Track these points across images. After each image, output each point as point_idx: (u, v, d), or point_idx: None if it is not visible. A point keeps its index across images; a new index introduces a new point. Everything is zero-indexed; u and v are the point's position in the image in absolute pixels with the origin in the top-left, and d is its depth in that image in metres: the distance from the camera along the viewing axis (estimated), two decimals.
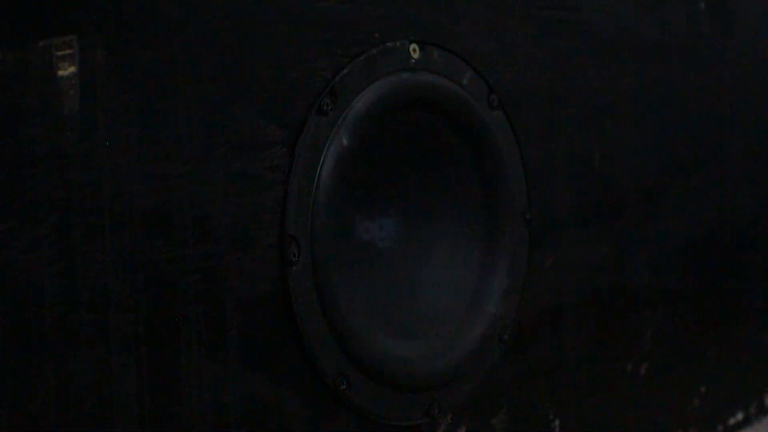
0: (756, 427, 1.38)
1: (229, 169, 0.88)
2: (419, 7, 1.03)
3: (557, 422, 1.15)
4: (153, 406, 0.82)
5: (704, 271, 1.31)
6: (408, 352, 1.03)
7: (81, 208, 0.78)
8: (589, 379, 1.19)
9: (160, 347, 0.82)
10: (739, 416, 1.36)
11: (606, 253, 1.20)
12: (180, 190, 0.84)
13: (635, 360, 1.23)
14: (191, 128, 0.85)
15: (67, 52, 0.76)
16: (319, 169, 0.95)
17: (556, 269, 1.15)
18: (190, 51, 0.85)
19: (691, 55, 1.29)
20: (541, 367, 1.14)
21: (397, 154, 1.07)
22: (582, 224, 1.17)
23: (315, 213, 0.94)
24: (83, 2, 0.78)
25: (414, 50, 1.03)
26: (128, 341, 0.80)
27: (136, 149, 0.82)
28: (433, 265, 1.08)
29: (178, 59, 0.84)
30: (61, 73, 0.76)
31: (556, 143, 1.15)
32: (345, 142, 0.96)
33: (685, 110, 1.28)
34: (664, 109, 1.26)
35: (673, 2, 1.27)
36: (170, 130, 0.84)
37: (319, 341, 0.94)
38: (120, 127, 0.80)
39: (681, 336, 1.30)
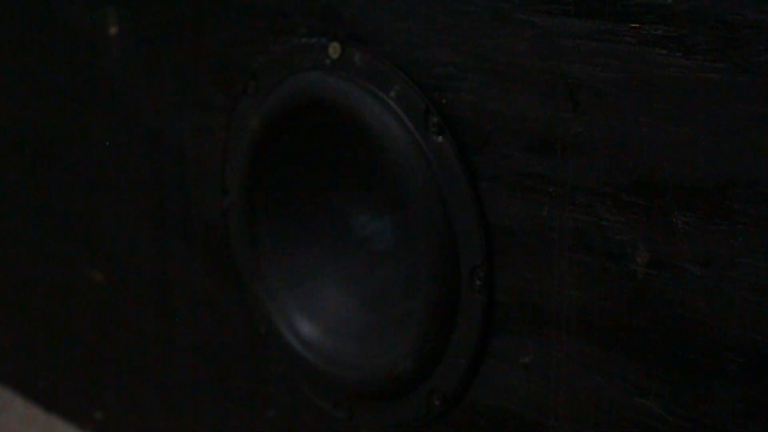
0: None
1: (191, 120, 1.08)
2: (353, 3, 0.91)
3: None
4: None
5: None
6: None
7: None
8: None
9: None
10: None
11: None
12: (165, 123, 1.12)
13: None
14: (172, 82, 1.10)
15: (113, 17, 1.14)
16: (239, 146, 1.02)
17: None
18: (169, 25, 1.08)
19: None
20: None
21: (315, 161, 0.96)
22: None
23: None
24: None
25: (334, 49, 0.92)
26: None
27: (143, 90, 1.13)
28: None
29: (162, 29, 1.09)
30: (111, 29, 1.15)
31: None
32: (255, 126, 1.00)
33: None
34: None
35: None
36: (160, 80, 1.11)
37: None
38: (136, 67, 1.14)
39: None
